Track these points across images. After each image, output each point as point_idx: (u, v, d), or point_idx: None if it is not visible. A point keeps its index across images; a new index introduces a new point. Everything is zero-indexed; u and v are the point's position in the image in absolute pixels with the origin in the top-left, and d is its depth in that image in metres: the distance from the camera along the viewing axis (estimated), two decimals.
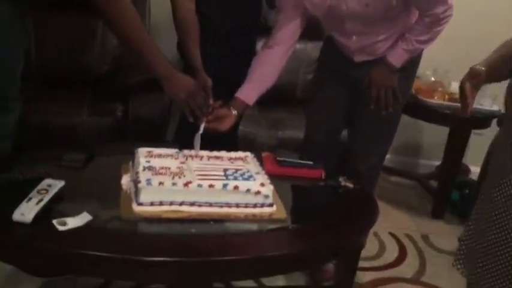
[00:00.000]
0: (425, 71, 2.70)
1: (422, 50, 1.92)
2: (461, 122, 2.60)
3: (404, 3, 1.76)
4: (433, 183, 3.02)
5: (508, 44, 1.54)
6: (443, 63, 2.73)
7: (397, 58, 1.85)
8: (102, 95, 2.49)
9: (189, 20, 1.88)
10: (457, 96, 2.57)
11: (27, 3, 1.60)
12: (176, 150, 1.58)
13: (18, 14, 1.56)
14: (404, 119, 2.45)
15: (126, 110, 2.39)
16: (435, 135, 3.05)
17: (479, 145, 2.78)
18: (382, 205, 1.83)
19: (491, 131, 2.51)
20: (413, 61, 1.95)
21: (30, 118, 2.14)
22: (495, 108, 2.61)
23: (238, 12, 1.97)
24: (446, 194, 2.81)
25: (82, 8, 2.22)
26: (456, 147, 2.74)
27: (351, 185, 1.70)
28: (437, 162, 3.08)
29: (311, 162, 1.78)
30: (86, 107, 2.37)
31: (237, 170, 1.50)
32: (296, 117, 2.54)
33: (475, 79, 1.49)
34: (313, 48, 2.81)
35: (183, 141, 1.65)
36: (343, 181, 1.71)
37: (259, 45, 2.62)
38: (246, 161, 1.60)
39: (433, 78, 2.67)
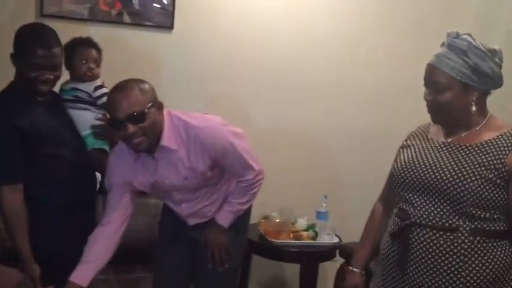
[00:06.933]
0: (272, 212, 2.89)
1: (248, 208, 2.12)
2: (309, 258, 2.81)
3: (219, 173, 2.00)
4: None
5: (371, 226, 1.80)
6: (288, 202, 2.94)
7: (224, 219, 2.05)
8: None
9: (17, 210, 1.87)
10: (302, 233, 2.81)
11: None
12: None
13: None
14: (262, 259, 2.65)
15: None
16: (290, 270, 3.19)
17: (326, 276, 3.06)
18: None
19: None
20: (242, 218, 2.13)
21: None
22: (335, 240, 2.86)
23: (73, 188, 2.02)
24: None
25: None
26: (308, 281, 2.89)
27: None
28: None
29: None
30: None
31: None
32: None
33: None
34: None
35: None
36: None
37: None
38: None
39: (278, 220, 2.85)
